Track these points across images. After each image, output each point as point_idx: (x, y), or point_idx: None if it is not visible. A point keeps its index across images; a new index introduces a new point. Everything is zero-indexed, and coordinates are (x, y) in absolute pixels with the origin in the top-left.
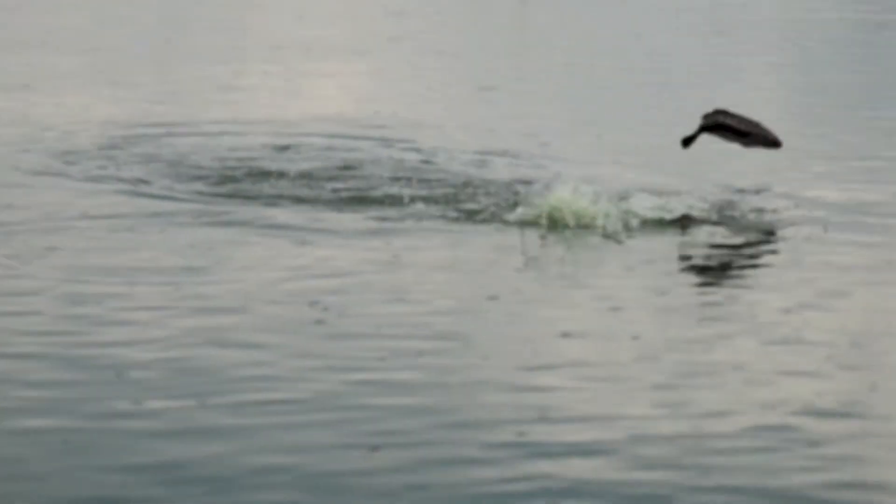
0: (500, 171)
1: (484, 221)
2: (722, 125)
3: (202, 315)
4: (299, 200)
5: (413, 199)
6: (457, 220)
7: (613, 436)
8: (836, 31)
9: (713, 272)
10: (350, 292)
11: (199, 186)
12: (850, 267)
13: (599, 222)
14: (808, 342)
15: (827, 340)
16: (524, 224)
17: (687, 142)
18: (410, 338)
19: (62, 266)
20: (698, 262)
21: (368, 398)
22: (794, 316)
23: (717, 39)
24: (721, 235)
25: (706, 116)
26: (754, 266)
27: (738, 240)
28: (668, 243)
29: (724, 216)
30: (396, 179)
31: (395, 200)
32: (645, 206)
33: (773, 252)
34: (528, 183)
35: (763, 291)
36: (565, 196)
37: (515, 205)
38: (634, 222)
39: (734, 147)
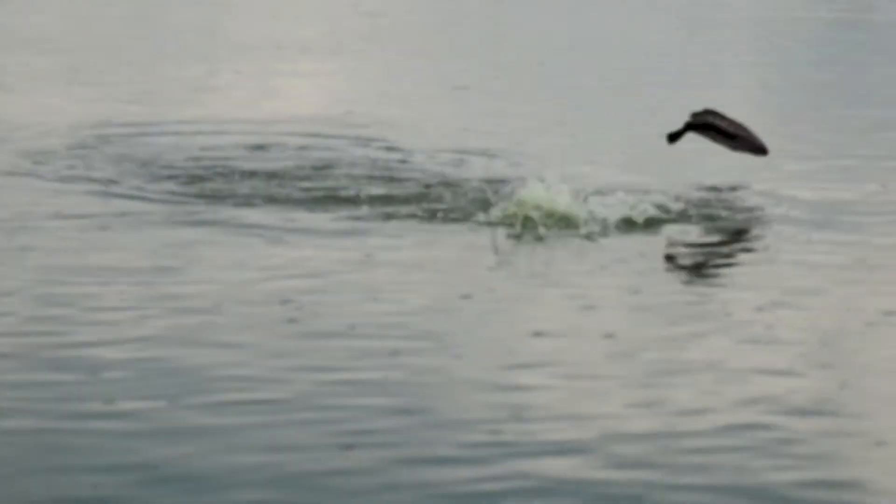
0: (475, 170)
1: (457, 220)
2: (710, 125)
3: (175, 315)
4: (273, 200)
5: (386, 199)
6: (430, 219)
7: (587, 434)
8: (809, 30)
9: (687, 270)
10: (323, 292)
11: (172, 186)
12: (823, 265)
13: (573, 221)
14: (780, 340)
15: (799, 339)
16: (498, 223)
17: (673, 138)
18: (384, 337)
19: (34, 266)
20: (672, 260)
21: (342, 398)
22: (767, 314)
23: (690, 38)
24: (695, 234)
25: (695, 115)
26: (728, 264)
27: (712, 238)
28: (642, 242)
29: (697, 215)
30: (370, 179)
31: (368, 200)
32: (619, 204)
33: (747, 250)
34: (501, 182)
35: (736, 290)
36: (539, 195)
37: (489, 204)
38: (608, 221)
39: (709, 145)
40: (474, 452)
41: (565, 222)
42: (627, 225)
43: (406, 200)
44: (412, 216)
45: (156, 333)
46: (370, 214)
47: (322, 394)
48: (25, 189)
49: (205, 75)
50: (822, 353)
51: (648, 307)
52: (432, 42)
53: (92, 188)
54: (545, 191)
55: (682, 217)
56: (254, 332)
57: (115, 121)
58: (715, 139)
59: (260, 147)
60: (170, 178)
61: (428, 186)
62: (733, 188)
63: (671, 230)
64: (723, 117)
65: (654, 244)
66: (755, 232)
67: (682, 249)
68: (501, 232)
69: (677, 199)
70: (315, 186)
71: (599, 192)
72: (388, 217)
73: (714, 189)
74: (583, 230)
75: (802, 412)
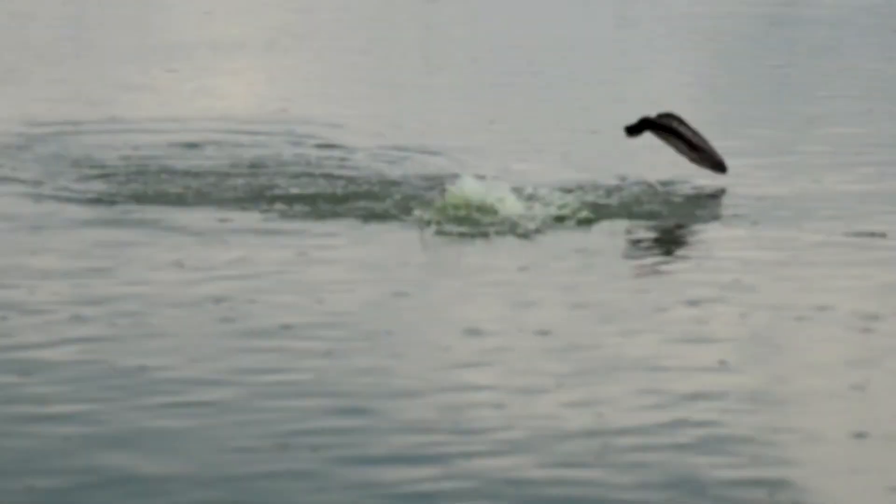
0: (408, 167)
1: (392, 219)
2: (671, 129)
3: (109, 316)
4: (206, 199)
5: (321, 198)
6: (365, 217)
7: (523, 433)
8: (740, 25)
9: (622, 267)
10: (258, 292)
11: (104, 186)
12: (758, 261)
13: (507, 218)
14: (714, 337)
15: (733, 335)
16: (431, 221)
17: (631, 131)
18: (319, 338)
19: None
20: (607, 257)
21: (278, 399)
22: (702, 310)
23: (624, 34)
24: (631, 230)
25: (659, 116)
26: (663, 261)
27: (648, 234)
28: (577, 238)
29: (634, 211)
30: (305, 177)
31: (303, 198)
32: (554, 200)
33: (683, 246)
34: (437, 179)
35: (671, 286)
36: (473, 192)
37: (424, 201)
38: (543, 217)
39: (652, 142)
40: (410, 452)
41: (500, 219)
42: (562, 221)
43: (341, 199)
44: (347, 215)
45: (90, 335)
46: (305, 213)
47: (258, 395)
48: None
49: (137, 74)
50: (755, 350)
51: (584, 304)
52: (365, 39)
53: (22, 189)
54: (479, 188)
55: (618, 213)
56: (189, 334)
57: (46, 120)
58: (675, 146)
59: (193, 145)
60: (102, 177)
61: (363, 184)
62: (670, 184)
63: (607, 226)
64: (686, 125)
65: (590, 241)
66: (691, 228)
67: (618, 246)
68: (436, 230)
69: (613, 195)
70: (249, 185)
71: (535, 189)
72: (323, 216)
73: (651, 185)
74: (517, 227)
75: (736, 408)
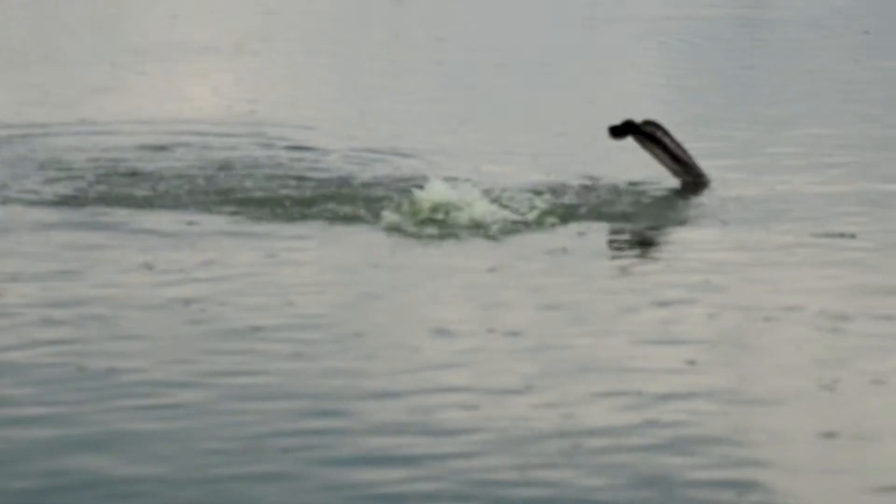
0: (378, 169)
1: (361, 221)
2: (654, 138)
3: (78, 319)
4: (175, 201)
5: (291, 200)
6: (335, 219)
7: (492, 435)
8: (713, 27)
9: (591, 268)
10: (228, 294)
11: (73, 188)
12: (726, 262)
13: (476, 219)
14: (682, 338)
15: (701, 336)
16: (401, 223)
17: (615, 132)
18: (289, 340)
19: None
20: (576, 258)
21: (247, 401)
22: (672, 311)
23: (594, 35)
24: (600, 231)
25: (644, 124)
26: (632, 262)
27: (617, 236)
28: (545, 240)
29: (603, 212)
30: (274, 179)
31: (272, 200)
32: (523, 202)
33: (652, 248)
34: (405, 181)
35: (641, 287)
36: (441, 195)
37: (392, 204)
38: (511, 219)
39: (625, 143)
40: (382, 454)
41: (469, 221)
42: (532, 223)
43: (311, 201)
44: (317, 217)
45: (59, 338)
46: (274, 215)
47: (228, 397)
48: None
49: (105, 76)
50: (724, 350)
51: (554, 305)
52: (333, 42)
53: None
54: (448, 190)
55: (588, 214)
56: (158, 336)
57: (13, 122)
58: (656, 155)
59: (162, 148)
60: (70, 179)
61: (333, 186)
62: (640, 185)
63: (576, 228)
64: (670, 136)
65: (560, 242)
66: (661, 229)
67: (588, 247)
68: (405, 232)
69: (583, 196)
70: (218, 187)
71: (504, 190)
72: (293, 218)
73: (620, 186)
74: (487, 229)
75: (706, 409)
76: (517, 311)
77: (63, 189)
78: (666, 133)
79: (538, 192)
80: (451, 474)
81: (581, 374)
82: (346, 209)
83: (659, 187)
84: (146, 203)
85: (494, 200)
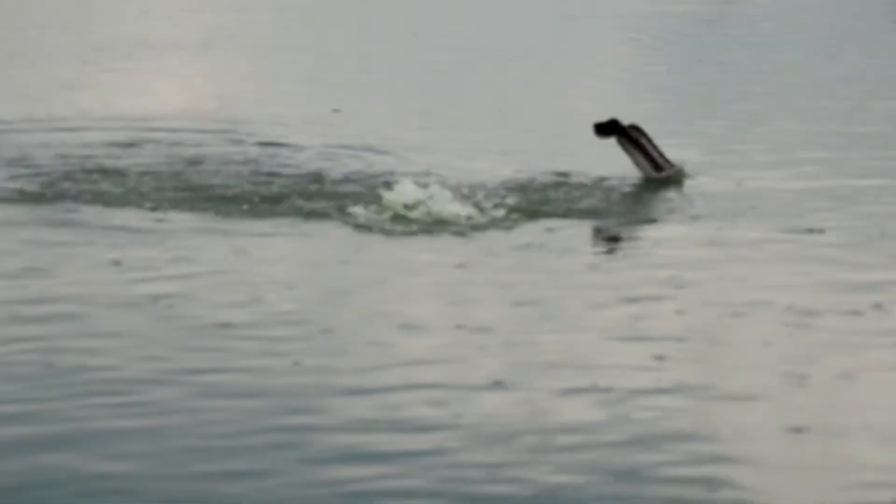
0: (347, 166)
1: (331, 217)
2: (636, 143)
3: (46, 316)
4: (144, 198)
5: (260, 196)
6: (303, 216)
7: (463, 432)
8: (684, 23)
9: (560, 264)
10: (198, 291)
11: (41, 185)
12: (692, 259)
13: (445, 217)
14: (653, 334)
15: (672, 332)
16: (371, 220)
17: (600, 129)
18: (259, 337)
19: None
20: (545, 254)
21: (217, 399)
22: (641, 307)
23: (565, 31)
24: (567, 228)
25: (629, 127)
26: (599, 258)
27: (587, 232)
28: (514, 236)
29: (570, 209)
30: (243, 175)
31: (241, 197)
32: (491, 198)
33: (621, 243)
34: (374, 178)
35: (609, 283)
36: (411, 192)
37: (362, 200)
38: (480, 215)
39: (587, 138)
40: (352, 451)
41: (438, 218)
42: (500, 219)
43: (280, 197)
44: (286, 213)
45: (29, 335)
46: (243, 211)
47: (198, 394)
48: None
49: (75, 73)
50: (693, 346)
51: (522, 301)
52: (301, 37)
53: None
54: (417, 188)
55: (557, 210)
56: (128, 333)
57: None
58: (636, 160)
59: (131, 144)
60: (38, 176)
61: (302, 182)
62: (609, 181)
63: (545, 224)
64: (651, 141)
65: (528, 238)
66: (629, 225)
67: (556, 243)
68: (375, 228)
69: (551, 192)
70: (187, 184)
71: (473, 187)
72: (262, 214)
73: (589, 182)
74: (455, 225)
75: (674, 405)
76: (486, 307)
77: (31, 186)
78: (649, 140)
79: (508, 189)
80: (421, 471)
81: (550, 371)
82: (316, 206)
83: (628, 183)
84: (115, 200)
85: (464, 197)
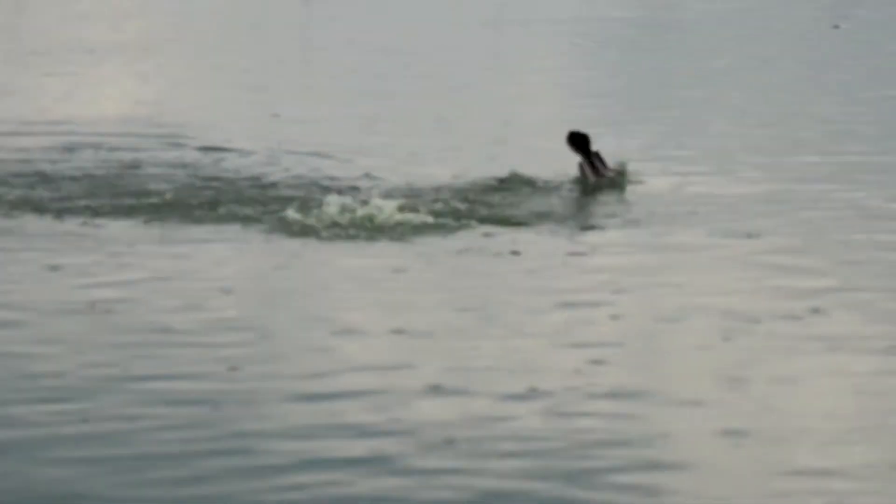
0: (286, 171)
1: (269, 223)
2: (593, 165)
3: None
4: (82, 203)
5: (199, 201)
6: (242, 221)
7: (402, 438)
8: (622, 28)
9: (498, 269)
10: (135, 297)
11: None
12: (636, 263)
13: (383, 222)
14: (591, 339)
15: (610, 337)
16: (309, 225)
17: (573, 139)
18: (198, 344)
19: None
20: (483, 259)
21: (156, 407)
22: (578, 312)
23: (504, 36)
24: (507, 233)
25: (594, 153)
26: (540, 263)
27: (526, 237)
28: (452, 242)
29: (508, 214)
30: (182, 181)
31: (180, 202)
32: (428, 204)
33: (560, 248)
34: (314, 183)
35: (547, 288)
36: (348, 200)
37: (299, 206)
38: (418, 221)
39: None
40: (292, 458)
41: (376, 223)
42: (437, 224)
43: (219, 203)
44: (225, 219)
45: None
46: (182, 217)
47: (138, 402)
48: None
49: (11, 77)
50: (630, 351)
51: (460, 306)
52: (241, 42)
53: None
54: (353, 196)
55: (495, 216)
56: (67, 340)
57: None
58: (584, 172)
59: (69, 149)
60: None
61: (241, 188)
62: (548, 186)
63: (484, 230)
64: (606, 168)
65: (466, 243)
66: (568, 230)
67: (494, 249)
68: (313, 235)
69: (488, 197)
70: (126, 189)
71: (412, 191)
72: (201, 220)
73: (528, 188)
74: (393, 231)
75: (611, 411)
76: (424, 312)
77: None
78: (605, 165)
79: (446, 193)
80: (361, 479)
81: (488, 376)
82: (255, 211)
83: (567, 188)
84: (52, 205)
85: (402, 205)
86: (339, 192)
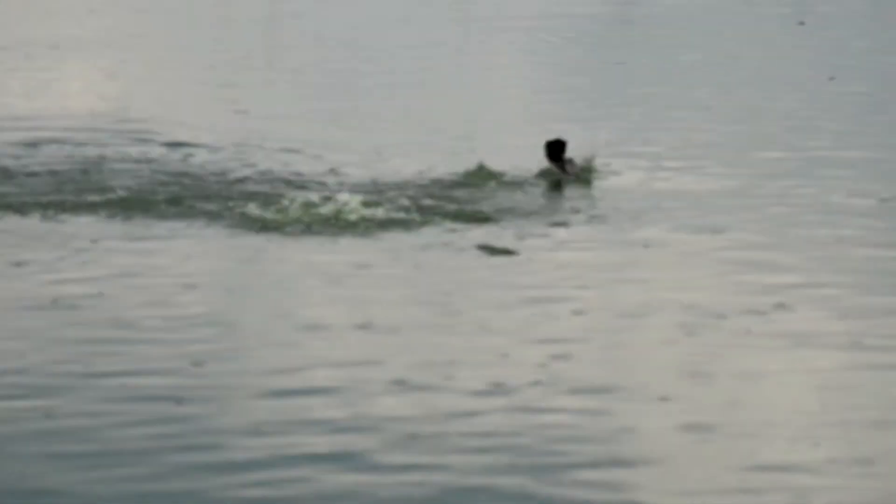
0: (249, 167)
1: (233, 218)
2: (564, 171)
3: None
4: (46, 199)
5: (164, 197)
6: (206, 216)
7: (367, 433)
8: (588, 25)
9: (462, 265)
10: (99, 293)
11: None
12: (599, 259)
13: (347, 217)
14: (554, 334)
15: (571, 333)
16: (273, 220)
17: (552, 147)
18: (163, 341)
19: None
20: (447, 255)
21: (120, 404)
22: (541, 307)
23: (471, 33)
24: (471, 228)
25: (568, 161)
26: (504, 259)
27: (489, 233)
28: (416, 238)
29: (473, 210)
30: (146, 176)
31: (145, 198)
32: (392, 200)
33: (524, 244)
34: (279, 178)
35: (511, 283)
36: (312, 196)
37: (264, 201)
38: (381, 217)
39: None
40: (259, 456)
41: (340, 218)
42: (401, 220)
43: (184, 199)
44: (190, 215)
45: None
46: (147, 212)
47: (103, 399)
48: None
49: None
50: (591, 347)
51: (424, 301)
52: (207, 39)
53: None
54: (318, 193)
55: (459, 212)
56: (31, 336)
57: None
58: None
59: (32, 145)
60: None
61: (206, 184)
62: (513, 182)
63: (447, 226)
64: (574, 166)
65: (430, 239)
66: (532, 226)
67: (458, 244)
68: (277, 230)
69: (453, 192)
70: (90, 185)
71: (376, 187)
72: (165, 216)
73: (493, 184)
74: (357, 227)
75: (575, 406)
76: (389, 307)
77: None
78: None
79: (411, 189)
80: (326, 474)
81: (453, 371)
82: (220, 206)
83: (533, 184)
84: (16, 201)
85: (367, 200)
86: (305, 187)
